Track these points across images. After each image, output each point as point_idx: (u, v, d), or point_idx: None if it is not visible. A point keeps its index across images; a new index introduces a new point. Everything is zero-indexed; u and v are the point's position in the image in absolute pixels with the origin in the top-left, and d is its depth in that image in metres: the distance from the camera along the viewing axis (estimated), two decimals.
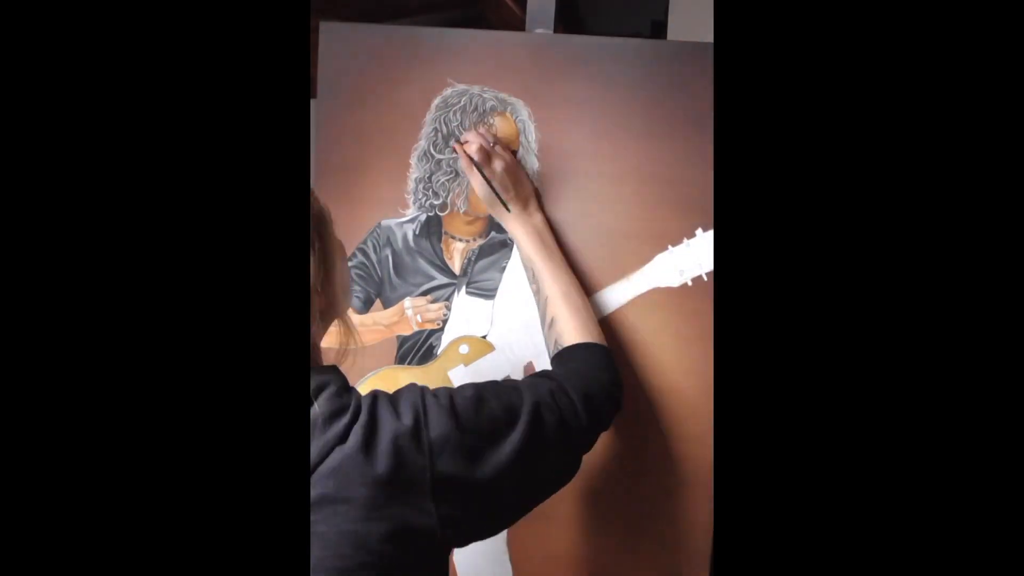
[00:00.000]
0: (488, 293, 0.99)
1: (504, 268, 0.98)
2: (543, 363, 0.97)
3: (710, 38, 0.69)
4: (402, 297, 1.02)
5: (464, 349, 1.00)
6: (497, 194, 0.90)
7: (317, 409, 0.63)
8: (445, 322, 1.01)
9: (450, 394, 0.69)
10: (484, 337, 0.99)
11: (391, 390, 1.02)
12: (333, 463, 0.61)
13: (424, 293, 1.01)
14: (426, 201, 1.00)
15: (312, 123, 0.88)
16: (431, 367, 1.01)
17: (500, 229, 0.98)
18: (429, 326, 1.01)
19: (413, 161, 1.00)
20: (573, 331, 0.85)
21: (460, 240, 1.00)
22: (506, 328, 0.98)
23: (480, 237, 0.99)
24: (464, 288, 1.00)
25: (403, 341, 1.02)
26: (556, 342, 0.86)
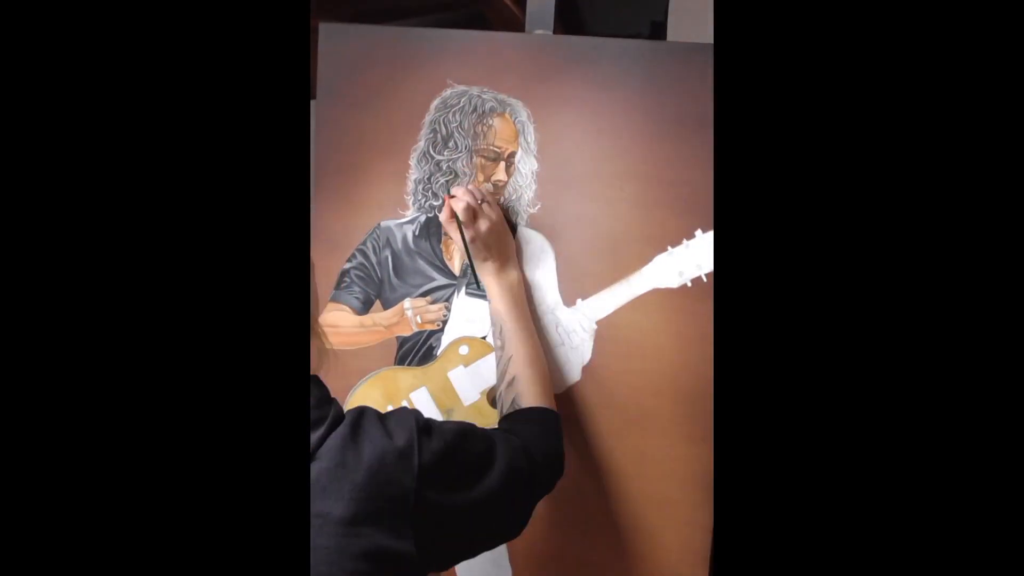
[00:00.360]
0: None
1: None
2: None
3: (710, 38, 0.69)
4: (402, 298, 1.02)
5: (464, 350, 1.00)
6: (470, 259, 0.92)
7: (316, 438, 0.62)
8: (445, 323, 1.01)
9: (439, 425, 0.71)
10: (484, 338, 0.99)
11: (391, 390, 1.02)
12: (311, 475, 0.60)
13: (424, 294, 1.01)
14: (425, 202, 1.00)
15: (312, 124, 0.89)
16: (431, 368, 1.01)
17: None
18: (429, 327, 1.01)
19: (412, 162, 1.00)
20: (534, 395, 0.87)
21: None
22: None
23: None
24: (464, 289, 1.00)
25: (403, 342, 1.02)
26: (514, 400, 0.88)
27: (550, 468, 0.80)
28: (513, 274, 0.94)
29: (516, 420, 0.85)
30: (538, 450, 0.78)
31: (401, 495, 0.62)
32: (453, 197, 0.91)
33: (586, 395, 0.96)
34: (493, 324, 0.94)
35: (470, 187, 0.93)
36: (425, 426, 0.69)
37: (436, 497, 0.65)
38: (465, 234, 0.90)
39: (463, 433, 0.71)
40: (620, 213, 0.94)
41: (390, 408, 1.01)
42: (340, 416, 0.65)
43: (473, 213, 0.90)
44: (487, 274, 0.93)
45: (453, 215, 0.90)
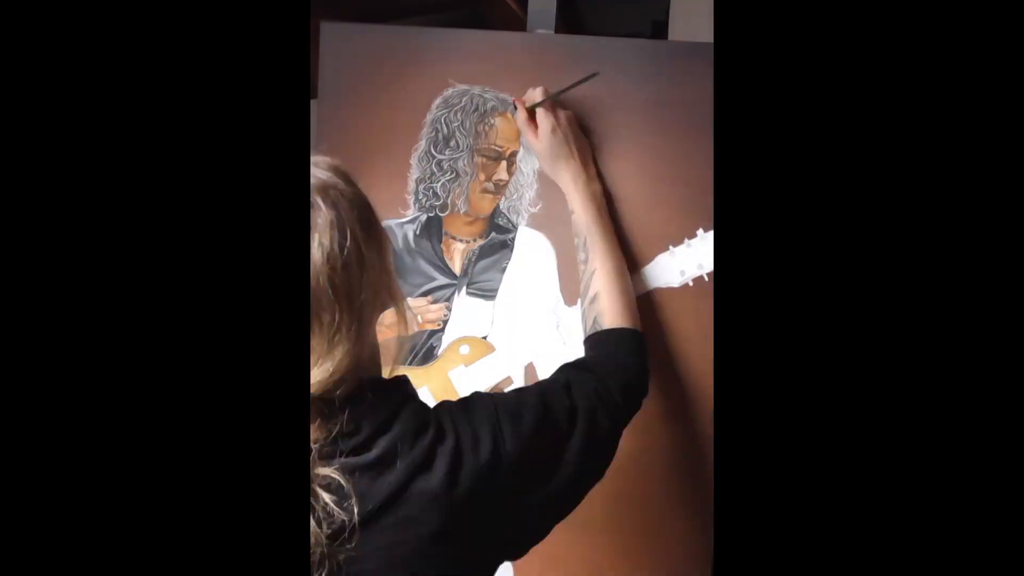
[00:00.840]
0: (488, 294, 0.99)
1: (504, 269, 0.98)
2: (543, 364, 0.97)
3: (710, 38, 0.69)
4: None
5: (464, 350, 1.00)
6: (576, 83, 0.86)
7: (390, 437, 0.60)
8: (445, 323, 1.01)
9: (519, 407, 0.68)
10: (484, 338, 0.99)
11: None
12: (421, 487, 0.60)
13: (425, 294, 1.01)
14: (426, 201, 1.00)
15: (312, 123, 0.88)
16: (431, 367, 1.01)
17: (500, 230, 0.98)
18: (430, 326, 1.01)
19: (413, 162, 1.00)
20: (616, 312, 0.83)
21: (460, 241, 1.00)
22: (506, 329, 0.98)
23: (480, 238, 0.99)
24: (464, 289, 1.00)
25: (403, 342, 1.02)
26: (596, 319, 0.84)
27: (629, 396, 0.77)
28: (597, 185, 0.91)
29: (595, 345, 0.82)
30: (616, 382, 0.75)
31: (495, 496, 0.63)
32: (524, 100, 0.89)
33: None
34: (577, 236, 0.90)
35: (538, 89, 0.90)
36: (505, 410, 0.66)
37: (525, 486, 0.65)
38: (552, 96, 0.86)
39: (544, 406, 0.68)
40: (621, 212, 0.93)
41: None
42: (439, 422, 0.63)
43: (552, 105, 0.87)
44: (569, 179, 0.89)
45: (532, 114, 0.88)
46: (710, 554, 0.93)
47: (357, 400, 0.60)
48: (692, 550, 0.94)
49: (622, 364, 0.79)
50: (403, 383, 0.67)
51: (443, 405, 0.67)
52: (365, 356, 0.64)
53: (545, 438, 0.67)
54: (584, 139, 0.92)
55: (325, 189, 0.59)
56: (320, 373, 0.58)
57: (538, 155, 0.91)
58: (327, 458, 0.58)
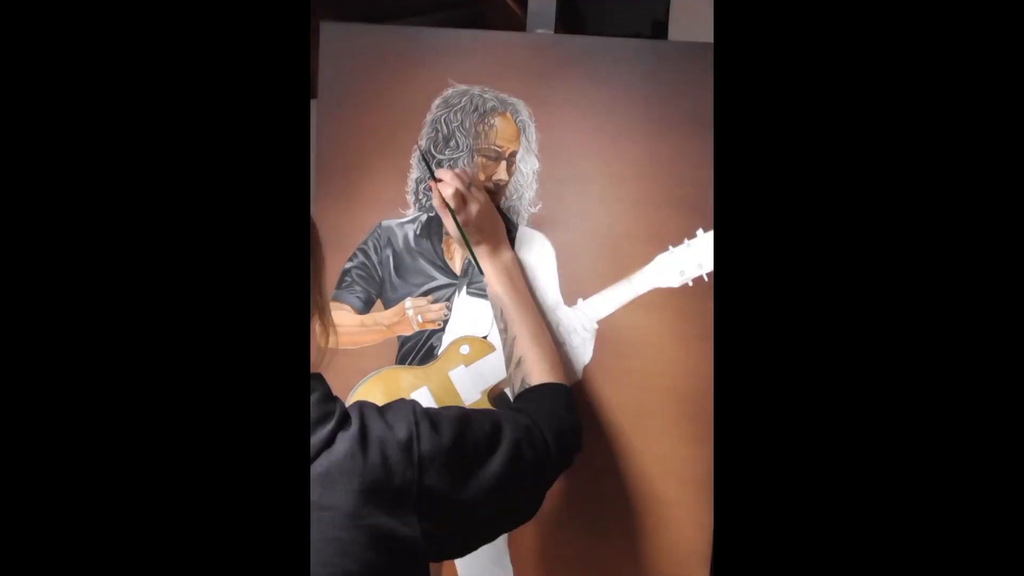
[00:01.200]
0: None
1: None
2: None
3: (710, 38, 0.69)
4: (403, 297, 1.02)
5: (465, 349, 1.00)
6: (467, 242, 0.90)
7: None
8: (446, 322, 1.01)
9: (439, 412, 0.70)
10: (485, 337, 0.99)
11: (392, 390, 1.02)
12: (320, 469, 0.61)
13: (425, 293, 1.01)
14: (426, 201, 1.00)
15: (312, 123, 0.89)
16: (432, 367, 1.01)
17: None
18: (430, 326, 1.01)
19: (413, 161, 1.00)
20: (542, 372, 0.86)
21: None
22: None
23: None
24: (465, 288, 1.00)
25: (404, 341, 1.02)
26: (523, 380, 0.87)
27: (562, 444, 0.79)
28: (507, 254, 0.94)
29: (525, 399, 0.84)
30: (548, 427, 0.77)
31: (405, 484, 0.63)
32: (440, 181, 0.90)
33: (587, 394, 0.96)
34: (493, 307, 0.93)
35: (456, 171, 0.92)
36: (424, 415, 0.68)
37: (440, 485, 0.65)
38: (458, 219, 0.89)
39: (464, 419, 0.70)
40: (621, 212, 0.94)
41: None
42: (345, 412, 0.65)
43: (462, 198, 0.89)
44: (481, 257, 0.92)
45: (444, 202, 0.90)
46: (710, 554, 0.94)
47: None
48: (692, 550, 0.94)
49: (555, 413, 0.81)
50: (315, 377, 0.67)
51: (358, 402, 0.68)
52: None
53: (462, 450, 0.68)
54: (498, 220, 0.94)
55: None
56: None
57: (453, 238, 0.94)
58: None
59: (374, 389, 1.03)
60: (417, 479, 0.63)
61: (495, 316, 0.93)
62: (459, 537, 0.70)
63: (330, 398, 0.66)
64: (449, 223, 0.92)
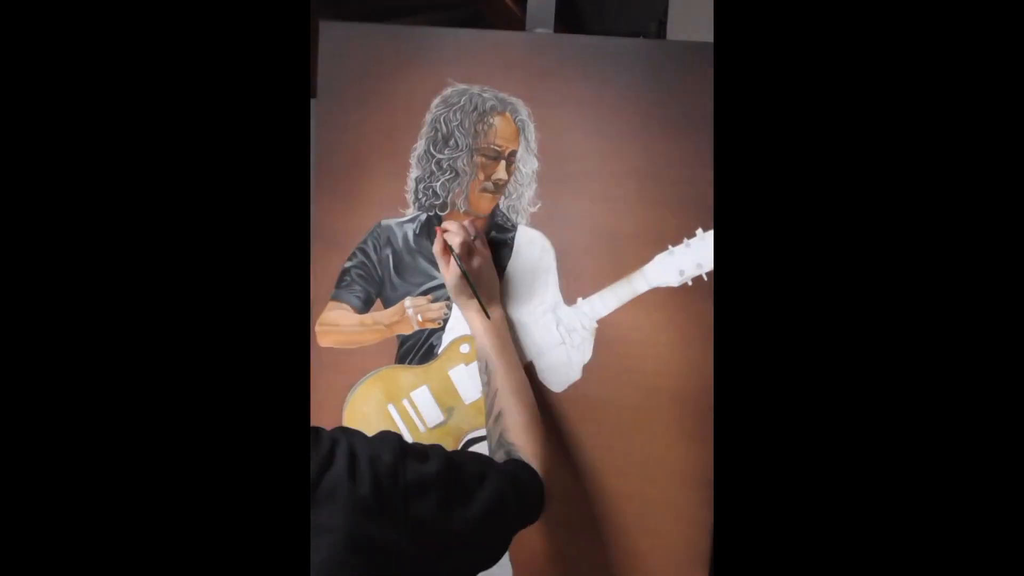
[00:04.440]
0: None
1: (504, 268, 0.98)
2: (543, 363, 0.97)
3: (710, 38, 0.69)
4: (403, 296, 1.02)
5: (465, 348, 1.00)
6: (477, 296, 0.91)
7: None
8: (446, 321, 1.01)
9: (427, 450, 0.70)
10: None
11: (392, 389, 1.02)
12: (326, 489, 0.60)
13: (425, 292, 1.01)
14: (426, 201, 1.00)
15: (312, 123, 0.89)
16: (432, 366, 1.01)
17: (500, 229, 0.98)
18: (430, 325, 1.01)
19: (413, 161, 1.00)
20: (520, 428, 0.87)
21: None
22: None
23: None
24: None
25: (403, 340, 1.02)
26: (501, 435, 0.88)
27: (526, 513, 0.80)
28: (498, 311, 0.95)
29: (512, 463, 0.85)
30: (526, 492, 0.78)
31: (395, 509, 0.63)
32: (446, 231, 0.91)
33: (586, 394, 0.96)
34: (479, 360, 0.94)
35: (464, 223, 0.93)
36: (410, 447, 0.69)
37: (426, 515, 0.65)
38: (465, 270, 0.90)
39: (450, 458, 0.71)
40: (620, 212, 0.94)
41: (391, 408, 1.01)
42: (334, 434, 0.66)
43: (469, 249, 0.90)
44: (473, 311, 0.94)
45: (447, 249, 0.91)
46: (710, 554, 0.94)
47: None
48: (692, 550, 0.94)
49: (526, 486, 0.81)
50: None
51: (339, 427, 0.69)
52: None
53: (449, 484, 0.68)
54: (493, 275, 0.95)
55: None
56: None
57: (446, 285, 0.95)
58: None
59: (374, 389, 1.03)
60: (403, 507, 0.63)
61: (479, 369, 0.94)
62: (454, 566, 0.69)
63: (318, 429, 0.67)
64: (448, 272, 0.92)
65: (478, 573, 0.73)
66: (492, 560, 0.75)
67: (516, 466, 0.82)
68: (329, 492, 0.61)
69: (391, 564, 0.61)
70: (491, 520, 0.71)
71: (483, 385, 0.93)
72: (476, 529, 0.69)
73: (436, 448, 0.72)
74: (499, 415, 0.88)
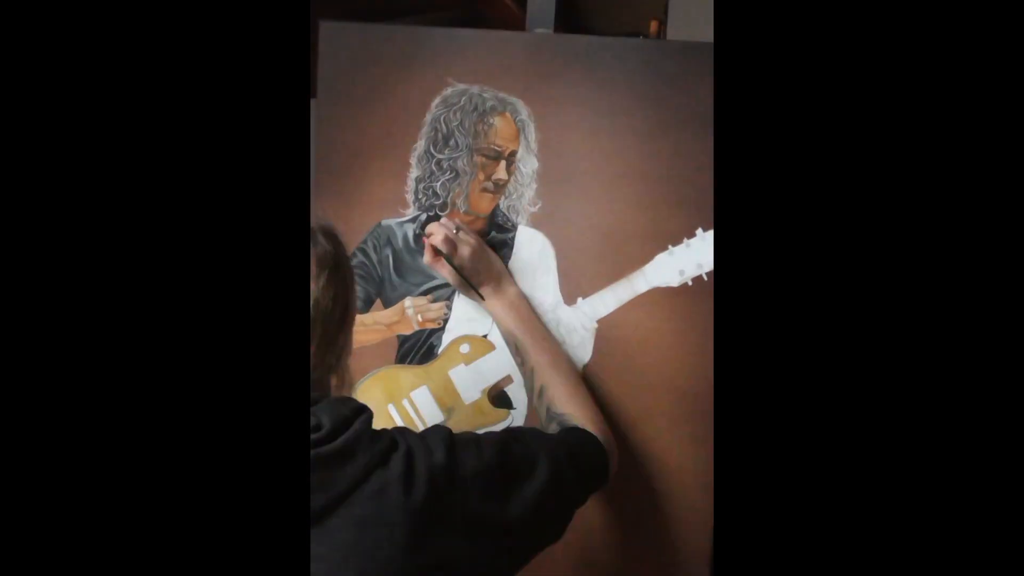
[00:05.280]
0: None
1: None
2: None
3: (710, 38, 0.69)
4: (403, 296, 1.02)
5: (465, 348, 1.00)
6: (469, 282, 0.91)
7: (352, 431, 0.63)
8: (446, 321, 1.01)
9: (478, 439, 0.71)
10: (485, 336, 0.99)
11: (392, 389, 1.02)
12: (376, 486, 0.61)
13: (425, 292, 1.01)
14: (426, 201, 1.00)
15: (312, 123, 0.88)
16: (432, 366, 1.01)
17: (500, 229, 0.98)
18: (430, 325, 1.01)
19: (413, 161, 1.00)
20: (566, 397, 0.87)
21: None
22: None
23: (480, 237, 0.99)
24: None
25: (403, 340, 1.02)
26: (548, 408, 0.88)
27: (589, 480, 0.80)
28: (511, 289, 0.94)
29: (567, 432, 0.85)
30: (579, 463, 0.78)
31: (452, 508, 0.64)
32: (429, 235, 0.91)
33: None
34: (508, 344, 0.94)
35: (443, 220, 0.94)
36: (461, 439, 0.69)
37: (483, 508, 0.65)
38: (454, 263, 0.90)
39: (504, 441, 0.71)
40: (621, 212, 0.93)
41: (391, 408, 1.01)
42: (393, 435, 0.66)
43: (452, 243, 0.90)
44: (489, 298, 0.93)
45: (436, 253, 0.91)
46: (710, 554, 0.94)
47: (320, 402, 0.65)
48: (692, 550, 0.94)
49: (589, 449, 0.82)
50: (360, 404, 0.69)
51: (400, 428, 0.69)
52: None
53: (504, 470, 0.69)
54: (493, 259, 0.95)
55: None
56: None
57: (452, 285, 0.96)
58: None
59: (374, 388, 1.03)
60: (461, 502, 0.64)
61: (511, 352, 0.94)
62: (508, 556, 0.70)
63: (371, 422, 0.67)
64: (446, 272, 0.92)
65: (542, 549, 0.73)
66: (556, 536, 0.75)
67: (570, 435, 0.82)
68: (378, 490, 0.61)
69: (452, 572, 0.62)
70: (549, 497, 0.71)
71: (518, 367, 0.93)
72: (536, 509, 0.69)
73: (489, 436, 0.72)
74: (542, 390, 0.88)
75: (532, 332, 0.92)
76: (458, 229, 0.92)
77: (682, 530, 0.94)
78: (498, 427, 0.99)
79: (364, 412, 0.66)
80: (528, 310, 0.94)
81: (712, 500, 0.91)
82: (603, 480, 0.83)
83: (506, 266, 0.97)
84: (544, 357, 0.90)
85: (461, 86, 0.97)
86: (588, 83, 0.93)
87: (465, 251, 0.91)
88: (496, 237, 0.98)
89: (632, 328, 0.94)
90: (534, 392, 0.90)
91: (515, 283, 0.96)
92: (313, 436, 0.61)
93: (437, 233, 0.90)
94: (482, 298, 0.92)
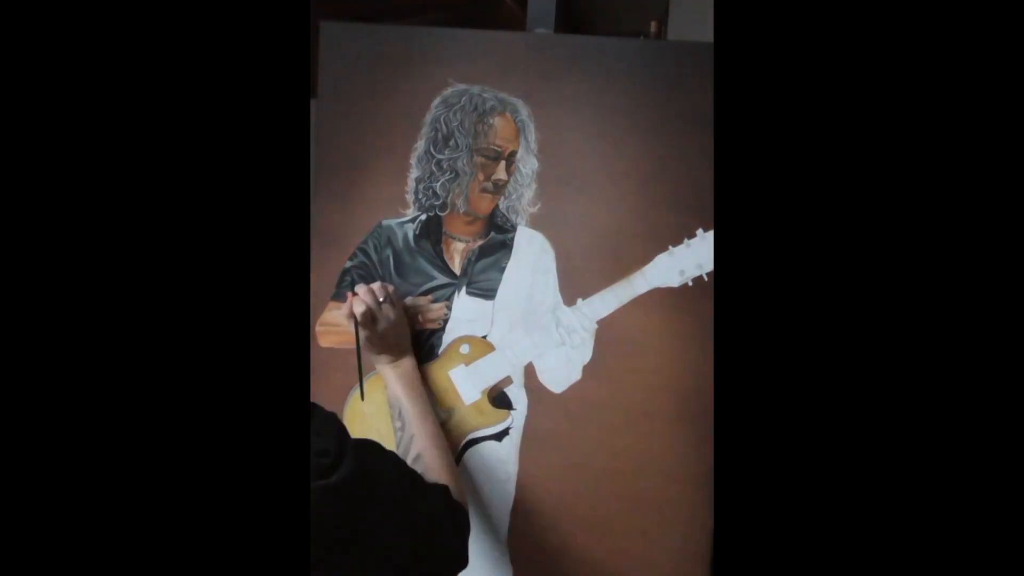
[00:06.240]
0: (488, 293, 0.99)
1: (504, 268, 0.98)
2: (543, 364, 0.97)
3: (710, 38, 0.69)
4: (403, 297, 1.02)
5: (465, 349, 1.00)
6: (360, 359, 0.93)
7: (351, 453, 0.68)
8: (446, 322, 1.01)
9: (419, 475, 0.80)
10: (484, 337, 0.99)
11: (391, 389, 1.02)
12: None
13: (425, 293, 1.01)
14: (426, 201, 1.00)
15: (312, 123, 0.88)
16: (432, 366, 1.01)
17: (500, 229, 0.98)
18: (430, 325, 1.01)
19: (413, 161, 1.00)
20: (439, 468, 0.89)
21: (460, 240, 1.00)
22: (506, 328, 0.98)
23: (480, 237, 0.99)
24: (464, 288, 1.00)
25: None
26: (423, 475, 0.90)
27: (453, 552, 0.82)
28: (407, 362, 0.97)
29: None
30: (428, 493, 0.82)
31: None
32: (356, 295, 0.93)
33: (587, 394, 0.96)
34: (392, 407, 0.96)
35: (374, 286, 0.94)
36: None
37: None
38: (361, 334, 0.92)
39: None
40: (621, 212, 0.94)
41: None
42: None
43: (371, 317, 0.92)
44: (382, 364, 0.96)
45: (352, 315, 0.92)
46: (710, 554, 0.94)
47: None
48: (692, 550, 0.94)
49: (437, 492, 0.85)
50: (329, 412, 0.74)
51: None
52: None
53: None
54: (404, 332, 0.97)
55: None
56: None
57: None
58: None
59: (374, 388, 1.03)
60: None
61: (392, 416, 0.96)
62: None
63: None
64: (351, 330, 0.94)
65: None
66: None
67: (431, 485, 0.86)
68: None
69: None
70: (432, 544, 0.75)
71: (396, 431, 0.95)
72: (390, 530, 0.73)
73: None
74: (418, 457, 0.91)
75: (419, 403, 0.94)
76: (385, 300, 0.94)
77: (682, 530, 0.94)
78: (498, 427, 0.99)
79: (342, 424, 0.71)
80: (418, 383, 0.97)
81: (712, 500, 0.92)
82: (447, 527, 0.83)
83: (503, 272, 0.98)
84: (424, 429, 0.92)
85: (461, 86, 0.97)
86: (588, 83, 0.93)
87: (381, 325, 0.93)
88: (496, 237, 0.98)
89: (632, 329, 0.94)
90: (409, 456, 0.92)
91: (413, 355, 0.98)
92: (324, 461, 0.65)
93: (360, 303, 0.92)
94: (362, 390, 0.96)
